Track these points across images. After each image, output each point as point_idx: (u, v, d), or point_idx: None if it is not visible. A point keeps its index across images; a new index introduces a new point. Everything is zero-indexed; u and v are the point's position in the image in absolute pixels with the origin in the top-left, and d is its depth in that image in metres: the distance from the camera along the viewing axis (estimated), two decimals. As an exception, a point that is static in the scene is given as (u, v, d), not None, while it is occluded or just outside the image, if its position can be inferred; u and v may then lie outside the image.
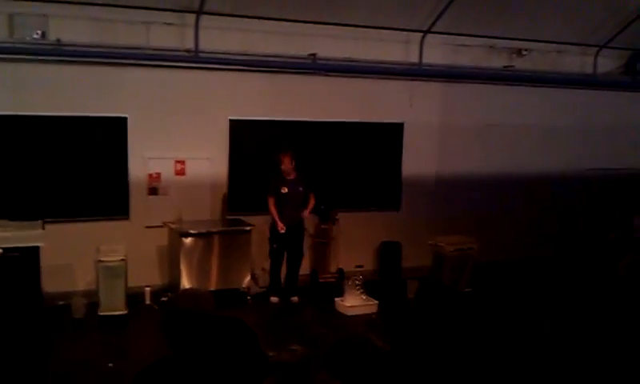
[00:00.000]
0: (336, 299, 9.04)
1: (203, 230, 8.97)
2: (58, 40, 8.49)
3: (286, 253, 9.25)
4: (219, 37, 9.21)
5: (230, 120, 9.65)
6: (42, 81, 8.61)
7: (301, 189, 9.12)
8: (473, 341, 4.00)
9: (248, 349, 2.42)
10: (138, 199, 9.30)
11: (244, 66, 9.49)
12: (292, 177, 9.08)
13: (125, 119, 9.07)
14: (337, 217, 10.14)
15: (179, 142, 9.43)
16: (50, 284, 8.36)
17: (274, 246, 9.15)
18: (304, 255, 9.47)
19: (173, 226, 9.04)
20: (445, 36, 10.43)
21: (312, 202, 9.26)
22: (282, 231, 8.98)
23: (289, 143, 9.42)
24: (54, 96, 8.70)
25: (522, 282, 10.23)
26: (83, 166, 9.00)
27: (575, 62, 11.73)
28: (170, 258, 9.19)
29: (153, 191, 9.40)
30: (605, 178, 12.19)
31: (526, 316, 8.55)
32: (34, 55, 8.43)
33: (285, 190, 9.05)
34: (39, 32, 8.41)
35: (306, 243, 9.75)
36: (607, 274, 10.03)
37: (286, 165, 8.99)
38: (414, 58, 10.47)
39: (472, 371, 3.46)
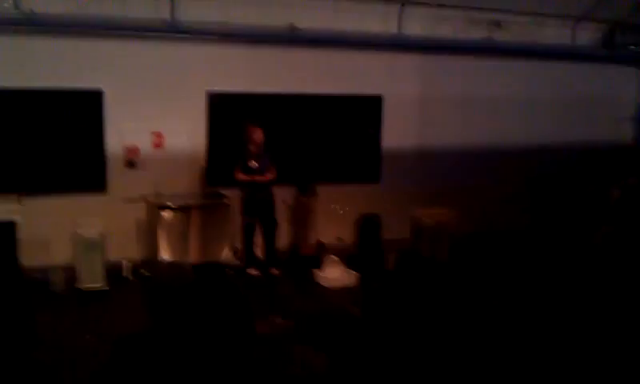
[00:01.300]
0: (316, 271, 9.07)
1: (181, 203, 8.92)
2: (31, 11, 8.33)
3: (261, 226, 9.26)
4: (196, 7, 9.09)
5: (208, 93, 9.57)
6: (16, 52, 8.46)
7: (266, 161, 9.15)
8: (447, 309, 4.06)
9: (236, 320, 2.40)
10: (115, 172, 9.22)
11: (222, 36, 9.39)
12: (259, 151, 9.07)
13: (101, 92, 8.96)
14: (316, 190, 10.14)
15: (157, 114, 9.31)
16: (28, 258, 8.29)
17: (248, 219, 9.14)
18: (278, 224, 9.47)
19: (150, 199, 8.98)
20: (424, 7, 10.38)
21: (273, 175, 9.20)
22: (268, 179, 9.03)
23: (266, 116, 9.39)
24: (28, 68, 8.55)
25: (500, 253, 10.31)
26: (59, 139, 8.87)
27: (554, 34, 11.74)
28: (149, 232, 9.15)
29: (130, 164, 9.31)
30: (583, 149, 12.29)
31: (502, 286, 8.66)
32: (6, 25, 8.26)
33: (254, 164, 9.05)
34: (10, 1, 8.24)
35: (283, 216, 9.77)
36: (584, 245, 10.17)
37: (260, 136, 8.99)
38: (394, 30, 10.43)
39: (444, 338, 3.50)
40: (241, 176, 9.07)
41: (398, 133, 10.96)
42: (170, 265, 3.48)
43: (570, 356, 6.25)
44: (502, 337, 6.45)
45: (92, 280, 8.23)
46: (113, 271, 8.69)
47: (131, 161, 9.29)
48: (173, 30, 9.03)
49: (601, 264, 9.07)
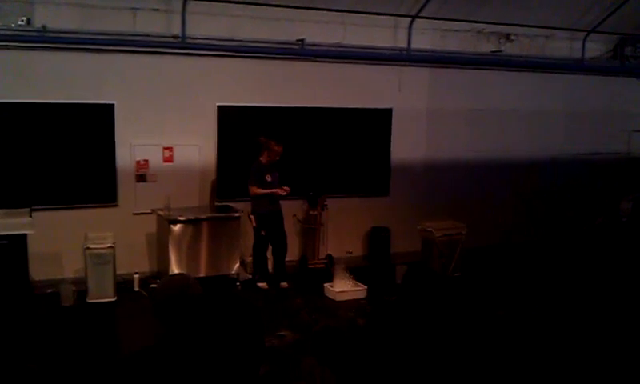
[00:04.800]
0: (325, 285, 9.07)
1: (192, 217, 8.94)
2: (44, 27, 8.42)
3: (272, 240, 9.26)
4: (206, 22, 9.17)
5: (218, 106, 9.61)
6: (29, 68, 8.55)
7: (277, 174, 9.15)
8: (460, 325, 4.03)
9: (246, 335, 2.40)
10: (126, 186, 9.27)
11: (232, 51, 9.46)
12: (273, 164, 9.10)
13: (112, 106, 9.02)
14: (326, 203, 10.15)
15: (167, 128, 9.39)
16: (38, 272, 8.36)
17: (263, 232, 9.14)
18: (287, 238, 9.47)
19: (161, 212, 9.01)
20: (433, 21, 10.41)
21: (289, 188, 9.17)
22: (286, 192, 9.01)
23: (276, 129, 9.42)
24: (41, 83, 8.64)
25: (510, 267, 10.27)
26: (71, 153, 8.94)
27: (563, 46, 11.75)
28: (159, 245, 9.18)
29: (141, 178, 9.37)
30: (592, 162, 12.25)
31: (515, 300, 8.61)
32: (20, 42, 8.37)
33: (269, 178, 9.05)
34: (24, 19, 8.34)
35: (293, 228, 9.77)
36: (594, 258, 10.11)
37: (280, 150, 8.99)
38: (403, 44, 10.46)
39: (457, 354, 3.48)
40: (258, 190, 9.03)
41: (407, 146, 10.97)
42: (180, 277, 3.52)
43: (587, 373, 6.21)
44: (516, 353, 6.42)
45: (102, 293, 8.27)
46: (123, 284, 8.73)
47: (142, 174, 9.34)
48: (183, 46, 9.09)
49: (611, 275, 9.03)
